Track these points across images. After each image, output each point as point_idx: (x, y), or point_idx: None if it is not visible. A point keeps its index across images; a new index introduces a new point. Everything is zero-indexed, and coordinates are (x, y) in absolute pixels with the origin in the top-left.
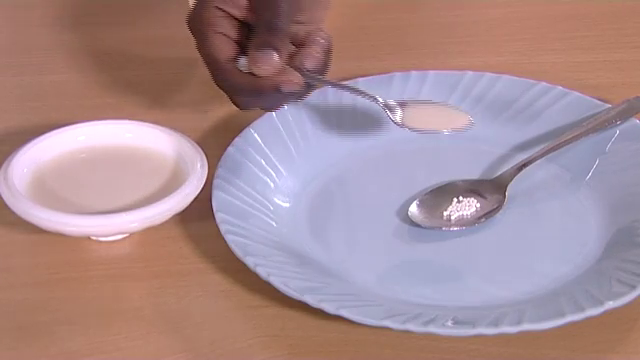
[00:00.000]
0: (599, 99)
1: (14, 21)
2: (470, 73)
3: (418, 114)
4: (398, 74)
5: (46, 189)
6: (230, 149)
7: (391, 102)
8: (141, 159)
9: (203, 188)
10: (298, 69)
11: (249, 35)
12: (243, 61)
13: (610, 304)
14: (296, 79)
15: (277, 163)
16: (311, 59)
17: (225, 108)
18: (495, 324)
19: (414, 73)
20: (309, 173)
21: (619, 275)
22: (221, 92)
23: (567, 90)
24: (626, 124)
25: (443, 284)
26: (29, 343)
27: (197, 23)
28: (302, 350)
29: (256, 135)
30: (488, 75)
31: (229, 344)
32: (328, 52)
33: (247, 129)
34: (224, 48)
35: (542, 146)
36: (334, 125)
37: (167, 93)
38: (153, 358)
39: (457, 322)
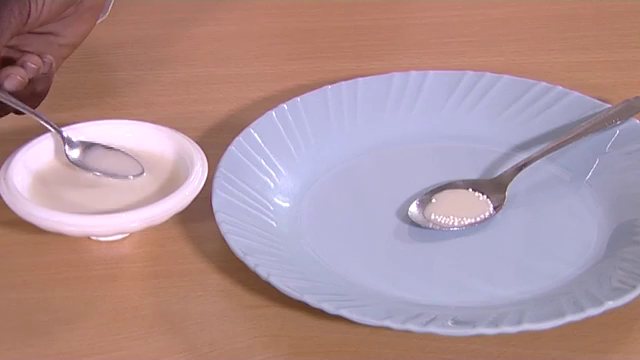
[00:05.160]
0: (599, 99)
1: None
2: (470, 73)
3: (98, 157)
4: (398, 74)
5: (46, 189)
6: (230, 149)
7: (76, 140)
8: (141, 159)
9: (203, 188)
10: None
11: None
12: None
13: (610, 304)
14: None
15: (277, 163)
16: (10, 80)
17: (225, 108)
18: (495, 324)
19: (414, 73)
20: (309, 173)
21: (619, 275)
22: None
23: (567, 90)
24: (626, 124)
25: (443, 284)
26: (29, 343)
27: None
28: (302, 350)
29: (256, 135)
30: (488, 75)
31: (229, 344)
32: (39, 80)
33: (247, 129)
34: None
35: (542, 146)
36: (334, 125)
37: (167, 93)
38: (153, 358)
39: (457, 322)
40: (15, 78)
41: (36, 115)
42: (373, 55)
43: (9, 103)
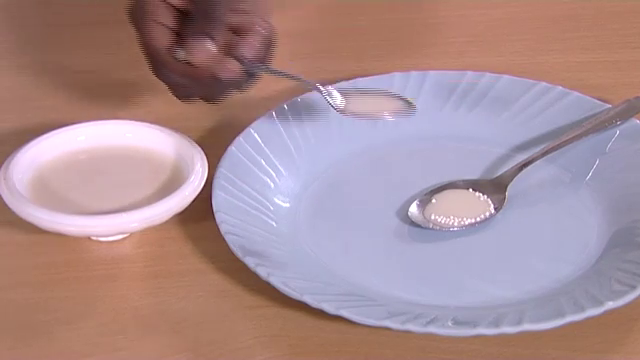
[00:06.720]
0: (599, 99)
1: (14, 21)
2: (470, 73)
3: (360, 102)
4: (398, 74)
5: (46, 189)
6: (230, 149)
7: (333, 90)
8: (141, 159)
9: (203, 188)
10: (237, 58)
11: (187, 25)
12: (181, 52)
13: (610, 304)
14: (233, 67)
15: (277, 163)
16: (249, 48)
17: (225, 108)
18: (495, 324)
19: (414, 73)
20: (309, 173)
21: (619, 275)
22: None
23: (567, 90)
24: (626, 124)
25: (443, 284)
26: (29, 343)
27: (137, 12)
28: (302, 350)
29: (256, 135)
30: (488, 75)
31: (229, 344)
32: (268, 42)
33: (247, 129)
34: (162, 37)
35: (542, 146)
36: (334, 125)
37: (167, 93)
38: (153, 358)
39: (457, 322)
40: (253, 45)
41: (292, 77)
42: (373, 55)
43: (256, 70)
